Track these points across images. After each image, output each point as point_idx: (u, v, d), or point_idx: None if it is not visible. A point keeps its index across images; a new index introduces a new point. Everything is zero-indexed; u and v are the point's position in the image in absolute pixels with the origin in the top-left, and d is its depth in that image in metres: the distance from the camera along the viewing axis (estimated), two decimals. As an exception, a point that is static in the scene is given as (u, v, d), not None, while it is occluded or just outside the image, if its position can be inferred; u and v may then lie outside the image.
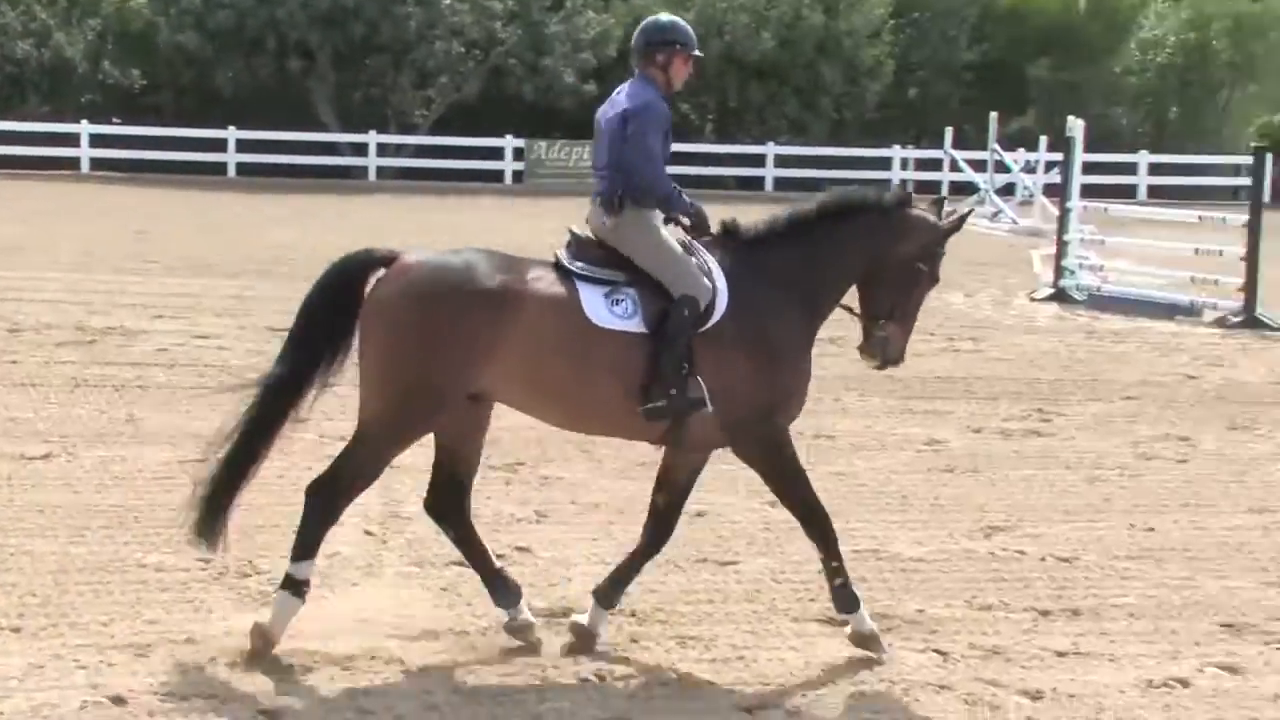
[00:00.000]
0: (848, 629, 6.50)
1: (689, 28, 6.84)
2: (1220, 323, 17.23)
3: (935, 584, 7.48)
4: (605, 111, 6.69)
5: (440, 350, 6.13)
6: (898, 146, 41.28)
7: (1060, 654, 6.55)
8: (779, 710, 5.88)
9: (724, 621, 6.83)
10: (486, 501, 8.70)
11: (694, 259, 6.49)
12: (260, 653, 6.11)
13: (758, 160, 40.85)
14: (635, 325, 6.37)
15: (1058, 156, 23.02)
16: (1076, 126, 20.13)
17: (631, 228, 6.51)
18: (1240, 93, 44.33)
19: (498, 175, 40.06)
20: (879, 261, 6.68)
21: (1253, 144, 25.65)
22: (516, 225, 27.78)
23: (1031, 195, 30.54)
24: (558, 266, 6.48)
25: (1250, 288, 17.18)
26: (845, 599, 6.48)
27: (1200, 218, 20.14)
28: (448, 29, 40.35)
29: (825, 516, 6.50)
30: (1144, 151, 40.28)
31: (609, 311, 6.38)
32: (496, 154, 40.18)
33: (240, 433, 6.31)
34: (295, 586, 6.21)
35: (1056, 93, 42.99)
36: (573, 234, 6.60)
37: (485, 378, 6.22)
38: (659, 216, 6.57)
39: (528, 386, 6.32)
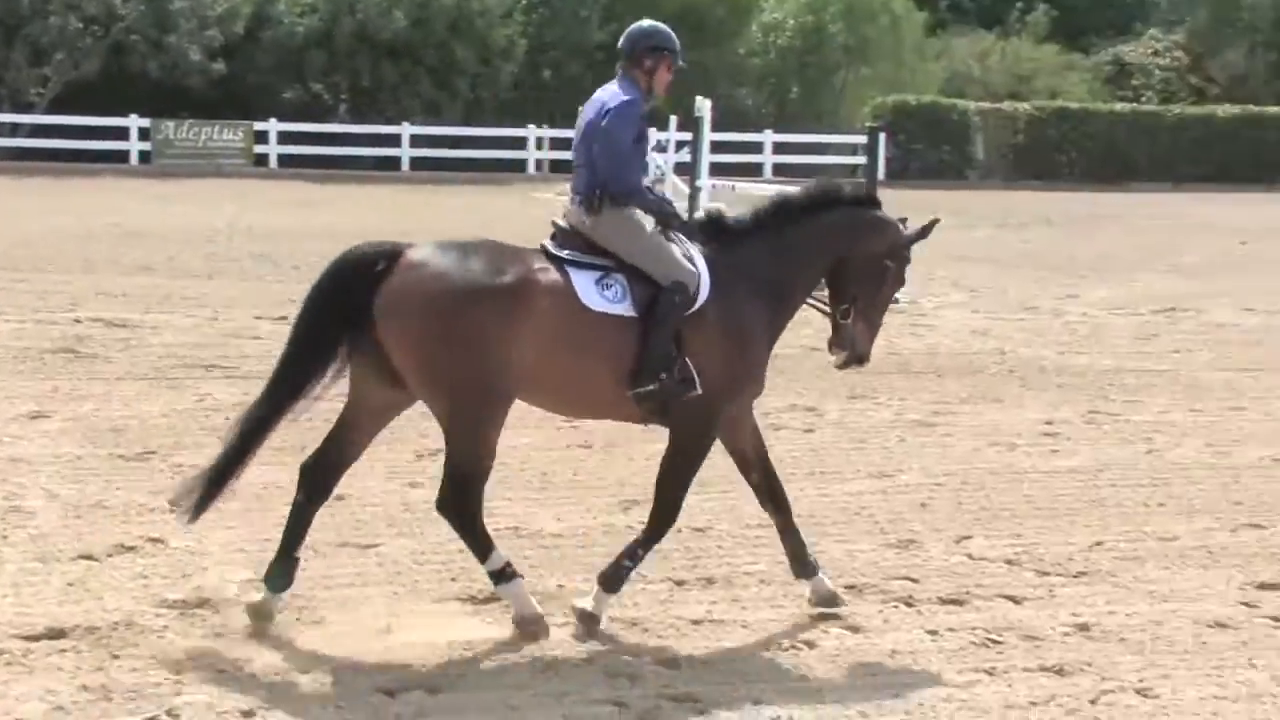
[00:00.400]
0: (582, 605, 6.61)
1: (674, 36, 7.03)
2: (841, 296, 17.92)
3: (575, 559, 7.59)
4: (586, 110, 6.81)
5: (475, 346, 6.25)
6: (533, 126, 41.56)
7: (695, 622, 6.74)
8: (419, 691, 5.87)
9: (365, 604, 6.77)
10: (116, 492, 8.42)
11: (677, 247, 6.67)
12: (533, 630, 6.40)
13: (393, 140, 40.47)
14: (626, 309, 6.56)
15: (687, 136, 23.56)
16: (704, 106, 20.64)
17: (611, 225, 6.66)
18: (855, 74, 46.28)
19: (123, 155, 38.53)
20: (849, 256, 6.94)
21: (867, 124, 26.90)
22: (143, 208, 26.85)
23: (663, 174, 31.15)
24: (548, 255, 6.62)
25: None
26: (612, 580, 6.66)
27: (821, 195, 20.81)
28: (63, 4, 38.58)
29: (676, 514, 6.80)
30: (768, 131, 41.64)
31: (600, 296, 6.55)
32: (121, 134, 38.64)
33: (240, 426, 6.46)
34: (504, 575, 6.46)
35: (685, 73, 43.93)
36: (556, 225, 6.75)
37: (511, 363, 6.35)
38: (638, 211, 6.70)
39: (533, 371, 6.42)
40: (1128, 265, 21.75)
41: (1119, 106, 42.52)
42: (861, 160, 31.58)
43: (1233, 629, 6.89)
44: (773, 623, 6.79)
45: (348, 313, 6.36)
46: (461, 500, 6.44)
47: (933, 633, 6.73)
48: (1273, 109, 40.14)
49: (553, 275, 6.53)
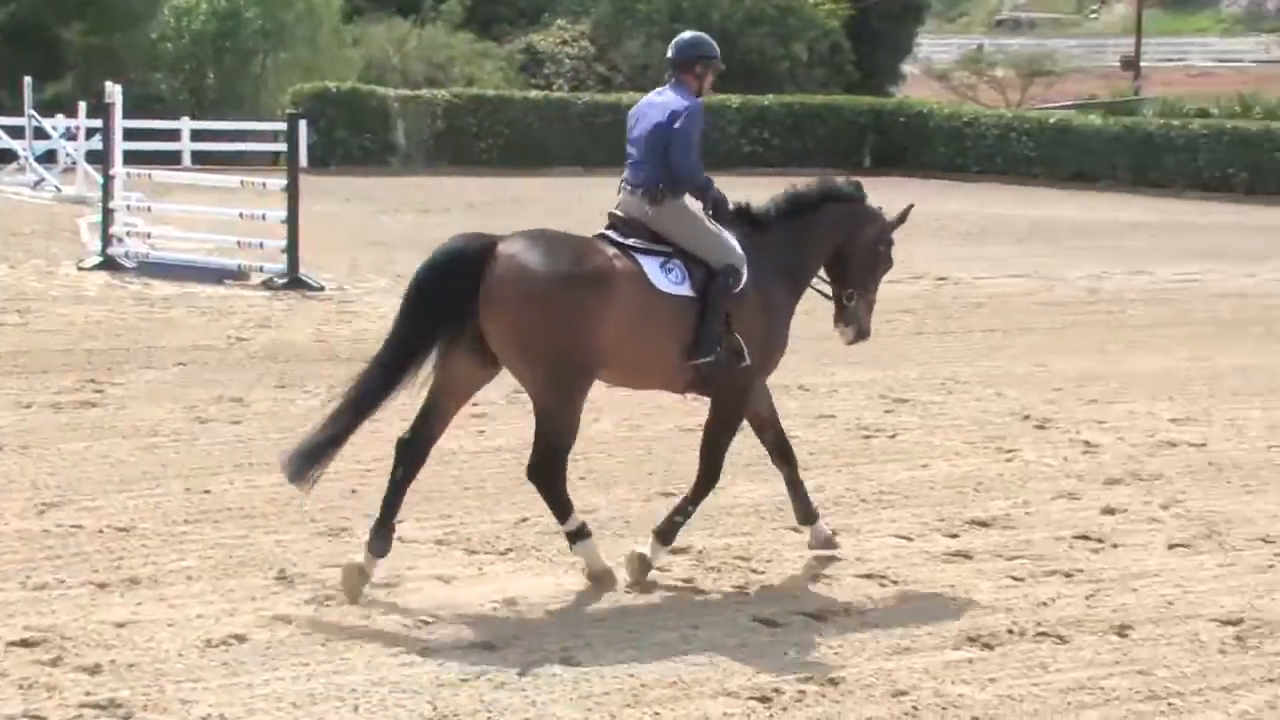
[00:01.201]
0: (640, 550, 7.45)
1: (715, 44, 7.88)
2: (267, 285, 17.71)
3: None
4: (644, 110, 7.61)
5: (569, 326, 6.95)
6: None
7: (120, 625, 6.50)
8: None
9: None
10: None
11: (725, 233, 7.48)
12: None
13: None
14: (686, 290, 7.36)
15: (98, 123, 22.56)
16: (115, 92, 19.82)
17: (671, 215, 7.46)
18: (274, 60, 45.61)
19: None
20: (848, 244, 7.91)
21: (287, 110, 26.59)
22: None
23: (74, 162, 29.76)
24: (616, 243, 7.34)
25: (292, 250, 17.78)
26: (666, 535, 7.55)
27: (242, 182, 20.50)
28: None
29: (719, 473, 7.72)
30: (186, 118, 40.45)
31: (666, 279, 7.34)
32: None
33: (349, 399, 7.05)
34: (580, 534, 7.24)
35: (93, 58, 42.09)
36: (615, 216, 7.54)
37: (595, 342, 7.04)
38: (694, 202, 7.46)
39: (613, 347, 7.13)
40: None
41: (532, 94, 43.87)
42: (283, 147, 31.30)
43: (645, 594, 7.28)
44: (203, 618, 6.64)
45: (452, 300, 6.97)
46: (551, 468, 7.20)
47: (365, 618, 6.76)
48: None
49: (627, 261, 7.29)
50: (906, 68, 59.24)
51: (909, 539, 8.31)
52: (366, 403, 7.09)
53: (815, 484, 9.32)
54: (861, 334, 8.17)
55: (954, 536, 8.39)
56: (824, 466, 9.87)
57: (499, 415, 11.08)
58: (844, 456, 10.21)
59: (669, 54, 7.79)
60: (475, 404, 11.33)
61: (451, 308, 7.00)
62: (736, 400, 7.67)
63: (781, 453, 7.98)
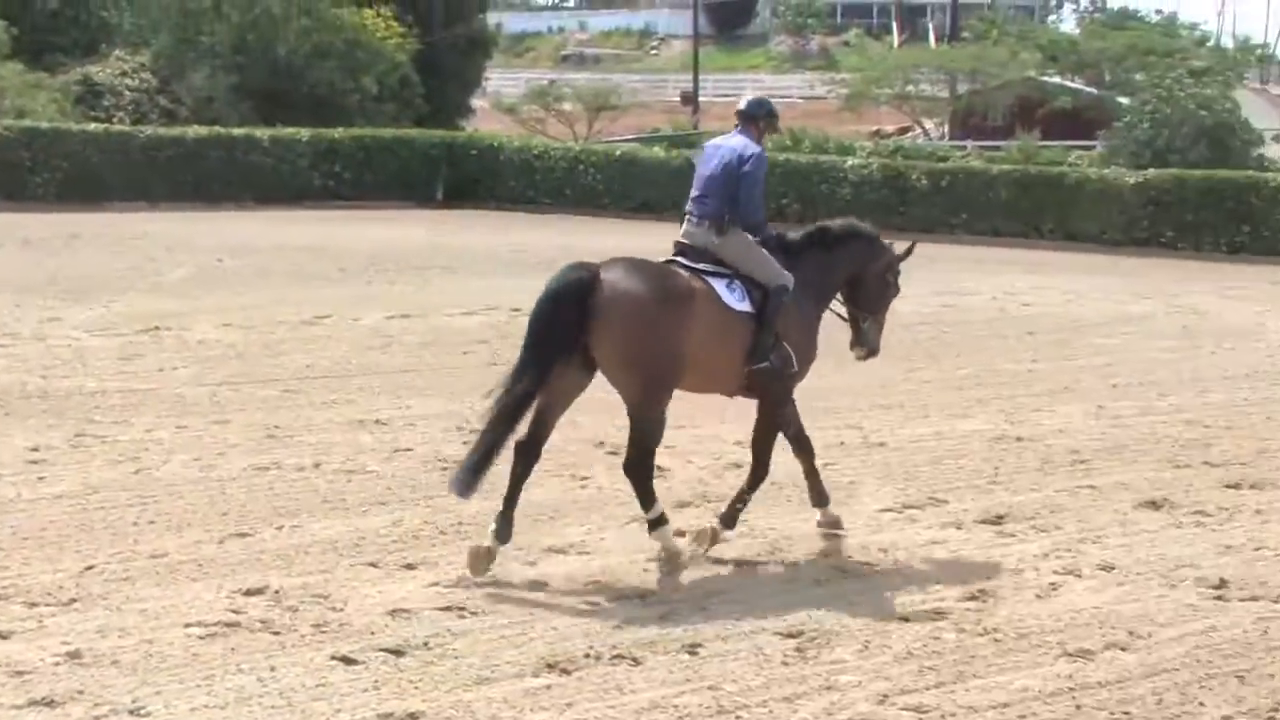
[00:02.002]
0: (715, 524, 8.84)
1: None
2: None
3: None
4: (718, 152, 8.95)
5: (665, 341, 8.19)
6: None
7: None
8: None
9: None
10: None
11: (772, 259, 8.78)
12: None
13: None
14: (747, 307, 8.63)
15: None
16: None
17: (734, 243, 8.77)
18: None
19: None
20: (863, 273, 9.34)
21: None
22: None
23: None
24: (690, 268, 8.62)
25: None
26: (731, 519, 8.94)
27: None
28: None
29: (770, 463, 9.07)
30: None
31: (732, 298, 8.60)
32: None
33: (495, 417, 8.12)
34: (660, 520, 8.39)
35: None
36: (682, 244, 8.85)
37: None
38: (746, 232, 8.80)
39: (693, 358, 8.35)
40: (110, 285, 21.59)
41: (91, 127, 42.01)
42: None
43: (222, 637, 7.08)
44: None
45: (566, 322, 8.09)
46: (644, 463, 8.35)
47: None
48: (239, 130, 41.51)
49: (703, 284, 8.55)
50: (476, 101, 59.76)
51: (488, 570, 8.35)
52: (510, 418, 8.19)
53: (393, 518, 9.30)
54: (873, 352, 9.66)
55: (532, 564, 8.49)
56: (402, 501, 9.83)
57: (58, 460, 10.58)
58: (423, 490, 10.18)
59: (741, 107, 9.22)
60: (35, 449, 10.87)
61: (567, 328, 8.12)
62: (782, 399, 9.02)
63: (801, 446, 9.14)
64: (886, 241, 9.57)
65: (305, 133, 41.57)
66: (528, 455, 8.36)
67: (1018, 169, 37.90)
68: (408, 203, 40.77)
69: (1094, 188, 35.13)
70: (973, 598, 8.04)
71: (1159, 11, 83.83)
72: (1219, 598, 8.14)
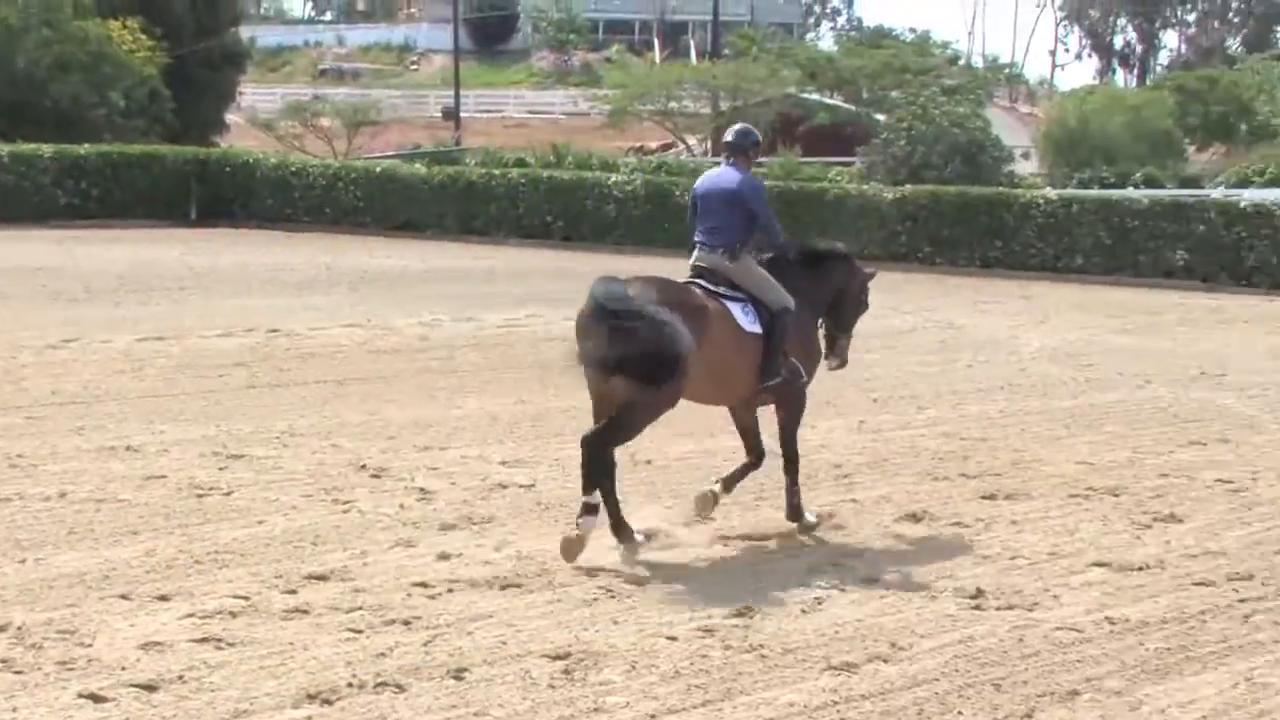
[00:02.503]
0: (799, 524, 9.95)
1: None
2: None
3: None
4: (714, 187, 9.96)
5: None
6: None
7: None
8: None
9: None
10: None
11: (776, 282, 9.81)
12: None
13: None
14: (757, 328, 9.63)
15: None
16: None
17: (744, 268, 9.81)
18: None
19: None
20: (843, 292, 10.50)
21: None
22: None
23: None
24: (709, 290, 9.61)
25: None
26: (796, 509, 9.99)
27: None
28: None
29: (798, 456, 10.17)
30: None
31: (745, 319, 9.61)
32: None
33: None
34: (590, 510, 9.04)
35: None
36: (699, 268, 9.82)
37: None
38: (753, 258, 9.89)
39: (707, 373, 9.25)
40: None
41: None
42: None
43: (-38, 679, 6.80)
44: None
45: (599, 332, 8.97)
46: (604, 446, 9.19)
47: None
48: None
49: (720, 305, 9.60)
50: (230, 117, 58.66)
51: (246, 598, 8.19)
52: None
53: (146, 548, 9.06)
54: (844, 363, 10.77)
55: (292, 593, 8.35)
56: (155, 530, 9.58)
57: None
58: (177, 518, 9.94)
59: (729, 139, 10.22)
60: None
61: (600, 338, 8.95)
62: (797, 402, 10.16)
63: (752, 448, 10.28)
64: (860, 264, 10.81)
65: (48, 148, 40.29)
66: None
67: (780, 185, 38.65)
68: (160, 221, 39.82)
69: (854, 203, 36.03)
70: (739, 614, 8.16)
71: (912, 30, 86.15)
72: (976, 607, 8.41)
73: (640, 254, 37.03)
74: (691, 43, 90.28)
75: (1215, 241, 30.39)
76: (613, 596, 8.50)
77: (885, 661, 7.47)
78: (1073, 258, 32.73)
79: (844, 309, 10.61)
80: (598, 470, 9.15)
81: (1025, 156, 56.00)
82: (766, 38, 76.92)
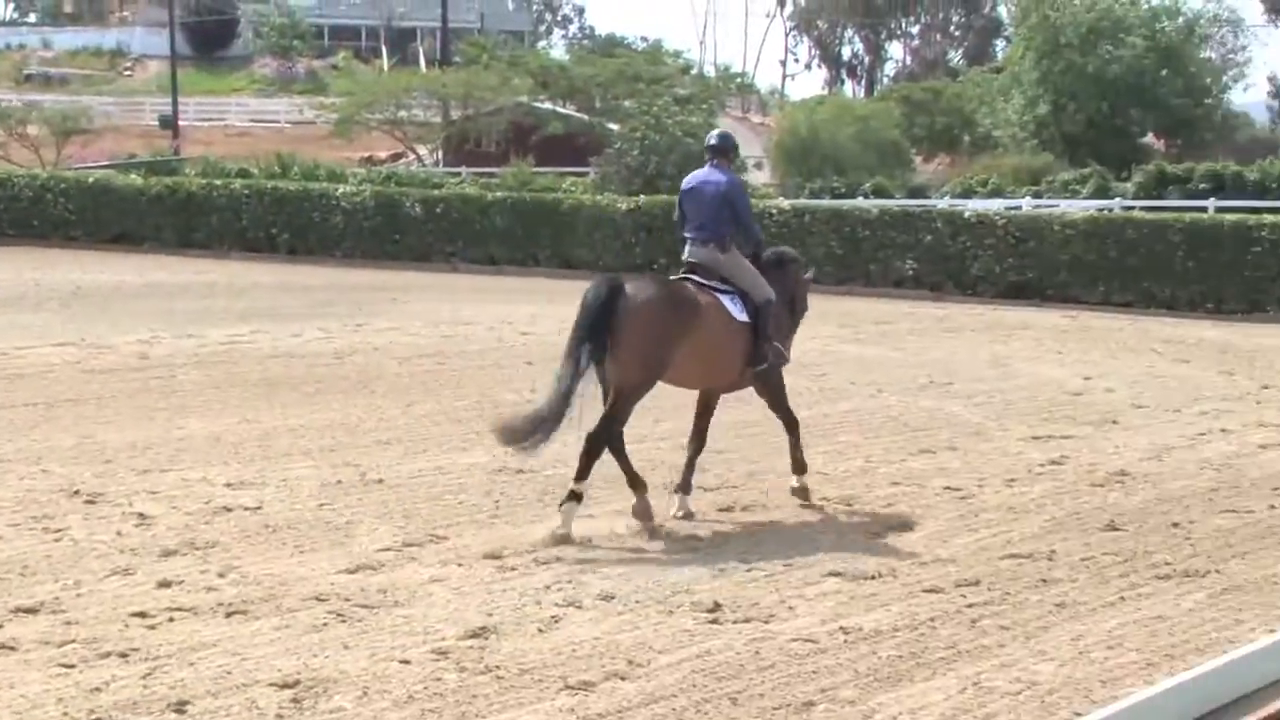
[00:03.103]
0: (795, 483, 11.42)
1: None
2: None
3: None
4: (700, 186, 11.15)
5: (666, 341, 10.49)
6: None
7: None
8: None
9: None
10: None
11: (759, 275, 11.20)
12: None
13: None
14: (745, 317, 10.94)
15: None
16: None
17: (732, 261, 11.09)
18: None
19: None
20: (794, 292, 11.84)
21: None
22: None
23: None
24: (700, 284, 10.89)
25: None
26: (800, 465, 11.45)
27: None
28: None
29: (796, 419, 11.65)
30: None
31: (736, 310, 10.89)
32: None
33: (554, 394, 10.30)
34: (575, 497, 10.37)
35: None
36: (691, 264, 11.05)
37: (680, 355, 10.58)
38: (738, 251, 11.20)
39: (699, 360, 10.71)
40: None
41: None
42: None
43: None
44: None
45: (600, 324, 10.27)
46: (604, 437, 10.43)
47: None
48: None
49: (712, 298, 10.83)
50: (-76, 123, 56.18)
51: (-54, 638, 7.85)
52: (560, 405, 10.22)
53: None
54: (786, 360, 11.64)
55: (-1, 628, 8.03)
56: None
57: None
58: None
59: (712, 142, 11.45)
60: None
61: (600, 330, 10.28)
62: (779, 383, 11.55)
63: (697, 435, 11.39)
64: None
65: None
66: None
67: (513, 196, 38.74)
68: None
69: (588, 214, 36.31)
70: (474, 635, 8.13)
71: (645, 39, 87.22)
72: (713, 621, 8.54)
73: (370, 267, 36.72)
74: (420, 50, 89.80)
75: (941, 251, 31.49)
76: (343, 620, 8.39)
77: (623, 679, 7.53)
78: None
79: (795, 308, 11.91)
80: (611, 453, 10.60)
81: (758, 166, 57.23)
82: (497, 45, 77.04)
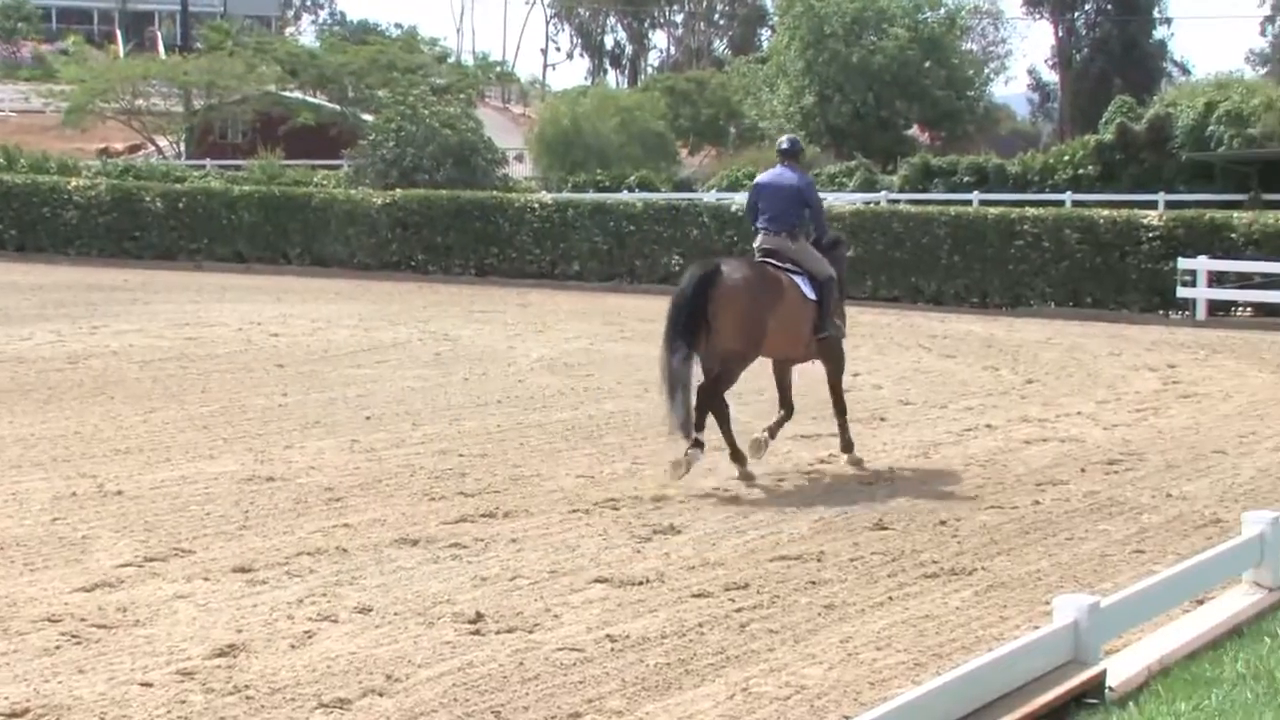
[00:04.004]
0: (846, 459, 13.58)
1: None
2: None
3: None
4: (776, 182, 13.57)
5: (763, 313, 12.83)
6: None
7: None
8: None
9: None
10: None
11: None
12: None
13: None
14: (813, 295, 13.32)
15: None
16: None
17: (802, 247, 13.48)
18: None
19: None
20: (841, 270, 14.11)
21: None
22: None
23: None
24: (778, 267, 13.27)
25: None
26: (849, 442, 13.64)
27: None
28: None
29: (844, 399, 13.95)
30: None
31: (806, 288, 13.27)
32: None
33: (669, 381, 12.46)
34: (697, 445, 12.50)
35: None
36: (765, 249, 13.43)
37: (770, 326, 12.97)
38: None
39: (783, 331, 13.06)
40: None
41: None
42: None
43: None
44: None
45: (699, 302, 12.53)
46: (713, 394, 12.80)
47: None
48: None
49: (790, 278, 13.17)
50: None
51: None
52: (680, 379, 12.37)
53: None
54: (843, 332, 14.06)
55: None
56: None
57: None
58: None
59: (784, 146, 13.96)
60: None
61: (700, 308, 12.48)
62: (839, 353, 13.85)
63: (784, 404, 13.78)
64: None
65: None
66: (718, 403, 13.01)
67: (261, 190, 38.16)
68: None
69: (342, 209, 35.95)
70: (222, 654, 7.97)
71: (399, 25, 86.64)
72: (475, 632, 8.51)
73: (108, 265, 35.79)
74: (159, 35, 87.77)
75: (709, 246, 31.90)
76: (78, 642, 8.15)
77: (381, 695, 7.46)
78: (570, 264, 33.73)
79: (842, 286, 14.06)
80: (714, 413, 12.83)
81: (519, 159, 57.28)
82: (242, 31, 75.69)
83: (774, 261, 13.32)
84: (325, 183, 42.90)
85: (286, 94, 63.30)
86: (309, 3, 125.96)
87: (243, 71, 61.52)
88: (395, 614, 8.80)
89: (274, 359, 20.05)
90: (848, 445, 13.65)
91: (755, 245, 13.63)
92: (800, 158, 13.99)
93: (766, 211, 13.57)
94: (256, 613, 8.76)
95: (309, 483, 12.26)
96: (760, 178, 13.94)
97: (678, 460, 12.39)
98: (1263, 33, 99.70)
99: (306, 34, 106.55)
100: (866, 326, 25.74)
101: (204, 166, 51.24)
